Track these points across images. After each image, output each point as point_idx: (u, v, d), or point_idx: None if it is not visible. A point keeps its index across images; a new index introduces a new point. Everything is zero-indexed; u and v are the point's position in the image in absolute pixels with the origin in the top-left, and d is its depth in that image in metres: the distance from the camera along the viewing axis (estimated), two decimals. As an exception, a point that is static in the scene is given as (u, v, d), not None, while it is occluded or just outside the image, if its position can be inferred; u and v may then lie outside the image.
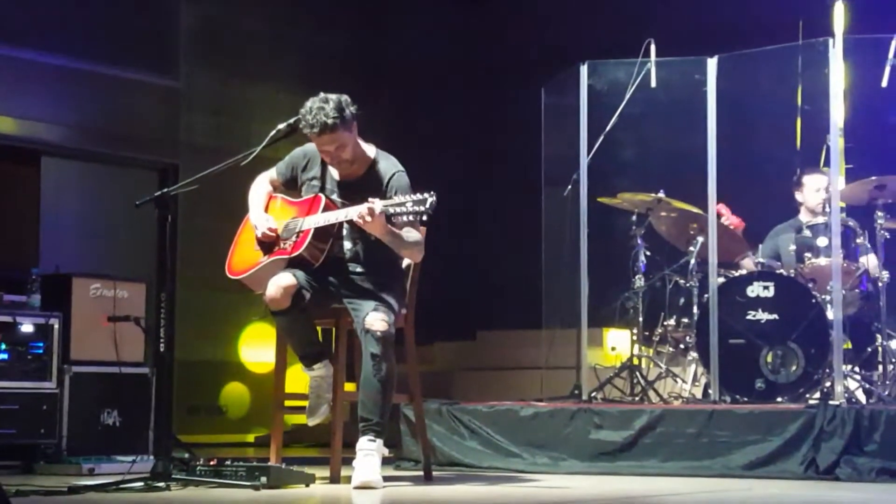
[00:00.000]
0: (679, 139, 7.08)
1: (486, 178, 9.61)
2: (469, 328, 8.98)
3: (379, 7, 9.92)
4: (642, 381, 6.67)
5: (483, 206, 9.51)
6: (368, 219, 4.78)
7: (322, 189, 5.11)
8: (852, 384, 6.25)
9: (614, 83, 6.95)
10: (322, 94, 4.97)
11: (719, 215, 6.64)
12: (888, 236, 6.36)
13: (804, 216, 6.87)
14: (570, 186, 6.87)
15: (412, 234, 4.97)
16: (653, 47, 6.84)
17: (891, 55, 6.38)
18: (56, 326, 6.04)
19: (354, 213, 4.84)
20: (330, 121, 4.90)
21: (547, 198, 7.34)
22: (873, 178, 6.34)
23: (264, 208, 5.17)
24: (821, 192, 6.72)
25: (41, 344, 6.00)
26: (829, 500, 4.71)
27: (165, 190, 4.89)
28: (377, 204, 4.79)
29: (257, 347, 9.04)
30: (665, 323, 6.81)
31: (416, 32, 9.91)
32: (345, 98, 4.98)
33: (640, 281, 6.80)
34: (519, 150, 7.84)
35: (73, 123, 8.35)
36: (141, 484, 4.59)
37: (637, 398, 6.60)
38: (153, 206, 4.85)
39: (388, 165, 5.10)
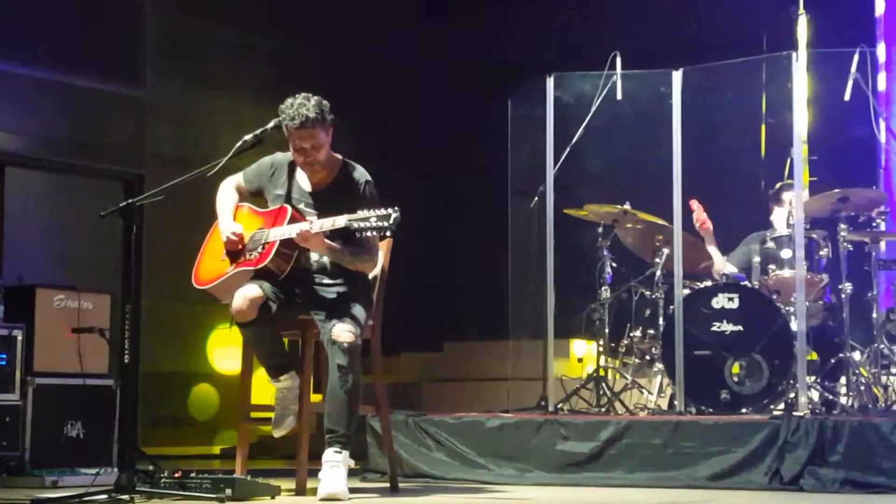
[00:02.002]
0: (645, 151, 7.11)
1: (453, 189, 9.62)
2: (436, 339, 8.98)
3: (346, 17, 9.92)
4: (608, 393, 6.69)
5: (450, 218, 9.52)
6: (302, 240, 4.85)
7: (289, 199, 5.10)
8: (816, 395, 6.29)
9: (580, 95, 6.98)
10: (304, 94, 5.01)
11: (690, 210, 6.68)
12: (851, 248, 6.42)
13: (781, 226, 6.89)
14: (536, 198, 6.89)
15: (361, 248, 4.97)
16: (618, 60, 6.87)
17: (853, 68, 6.42)
18: (19, 338, 5.99)
19: (295, 230, 4.86)
20: (312, 115, 4.93)
21: (513, 209, 7.36)
22: (837, 190, 6.39)
23: (232, 217, 5.15)
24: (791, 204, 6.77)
25: (4, 355, 5.95)
26: (794, 510, 4.74)
27: (131, 201, 4.86)
28: (315, 224, 4.84)
29: (226, 350, 9.01)
30: (631, 334, 6.83)
31: (384, 43, 9.93)
32: (325, 101, 5.02)
33: (606, 292, 6.83)
34: (486, 161, 7.86)
35: (37, 134, 8.30)
36: (104, 496, 4.56)
37: (603, 409, 6.62)
38: (118, 217, 4.82)
39: (360, 175, 5.11)
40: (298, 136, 4.98)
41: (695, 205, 6.77)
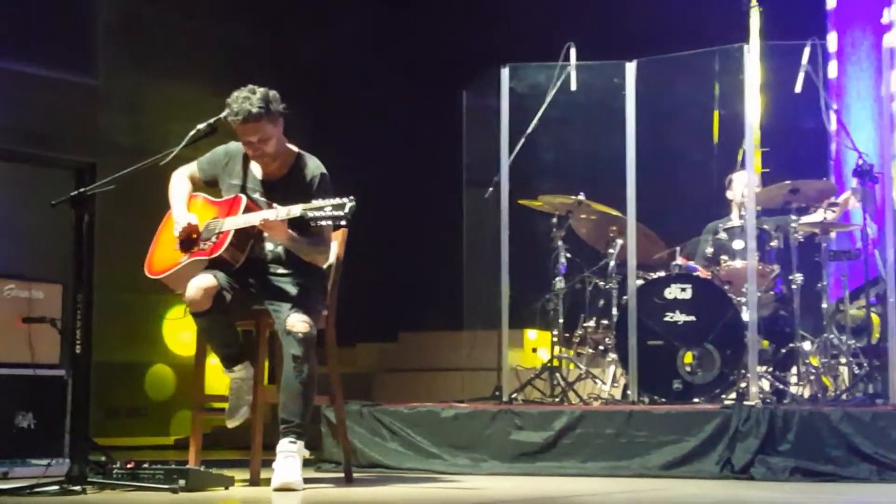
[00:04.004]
0: (599, 142, 7.14)
1: (407, 179, 9.60)
2: (391, 329, 8.98)
3: (300, 6, 9.88)
4: (562, 383, 6.73)
5: (404, 208, 9.51)
6: (265, 227, 4.85)
7: (243, 189, 5.08)
8: (767, 385, 6.36)
9: (535, 86, 7.00)
10: (250, 86, 4.97)
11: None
12: (802, 239, 6.49)
13: (734, 214, 6.96)
14: (491, 189, 6.90)
15: (318, 239, 4.97)
16: (573, 51, 6.90)
17: (804, 61, 6.49)
18: (-32, 328, 5.92)
19: (258, 219, 4.84)
20: (255, 109, 4.89)
21: (468, 200, 7.37)
22: (788, 181, 6.46)
23: (185, 207, 5.12)
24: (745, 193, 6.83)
25: (-48, 346, 5.88)
26: (744, 499, 4.79)
27: (82, 189, 4.82)
28: (270, 213, 4.83)
29: (182, 333, 8.99)
30: (585, 324, 6.88)
31: (338, 32, 9.89)
32: (273, 93, 4.98)
33: (560, 283, 6.86)
34: (440, 152, 7.86)
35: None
36: (56, 487, 4.53)
37: (557, 399, 6.65)
38: (70, 206, 4.79)
39: (314, 166, 5.10)
40: (243, 131, 4.97)
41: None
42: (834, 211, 6.61)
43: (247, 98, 4.91)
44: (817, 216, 6.57)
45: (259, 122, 4.93)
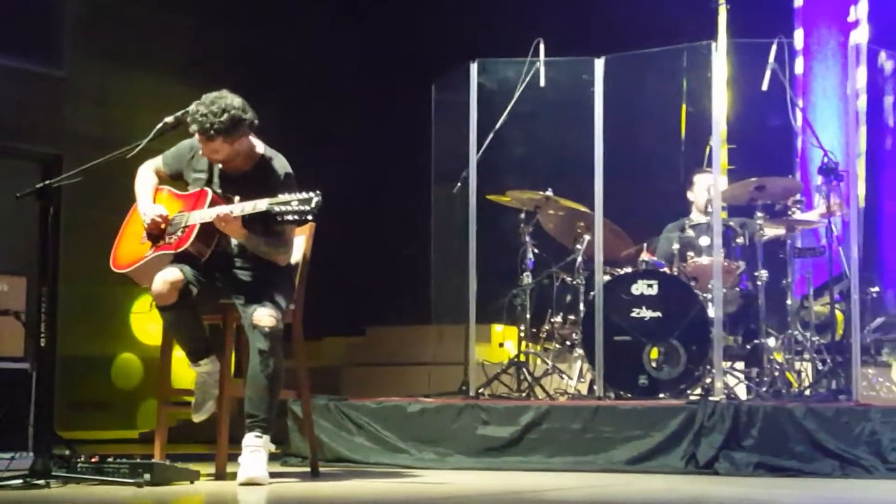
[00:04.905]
0: (567, 138, 7.17)
1: (376, 174, 9.62)
2: (358, 323, 8.98)
3: (270, 0, 9.86)
4: (529, 378, 6.74)
5: (373, 202, 9.52)
6: (221, 224, 4.80)
7: (209, 183, 5.06)
8: (732, 380, 6.40)
9: (504, 82, 7.01)
10: (216, 95, 4.88)
11: None
12: (767, 236, 6.53)
13: (695, 214, 7.01)
14: (459, 184, 6.90)
15: (276, 239, 4.95)
16: (542, 47, 6.91)
17: (771, 58, 6.52)
18: (-69, 320, 5.88)
19: (213, 214, 4.83)
20: (211, 130, 4.83)
21: (436, 195, 7.38)
22: (753, 179, 6.49)
23: (151, 200, 5.10)
24: (710, 190, 6.87)
25: (-85, 339, 5.84)
26: (708, 493, 4.81)
27: (48, 182, 4.79)
28: (235, 208, 4.79)
29: (150, 323, 8.96)
30: (552, 320, 6.89)
31: (308, 27, 9.87)
32: (238, 105, 4.87)
33: (527, 278, 6.87)
34: (409, 146, 7.86)
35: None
36: (19, 482, 4.50)
37: (524, 394, 6.67)
38: (35, 198, 4.76)
39: (279, 164, 5.07)
40: (199, 140, 4.93)
41: None
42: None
43: (206, 115, 4.81)
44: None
45: (212, 141, 4.88)
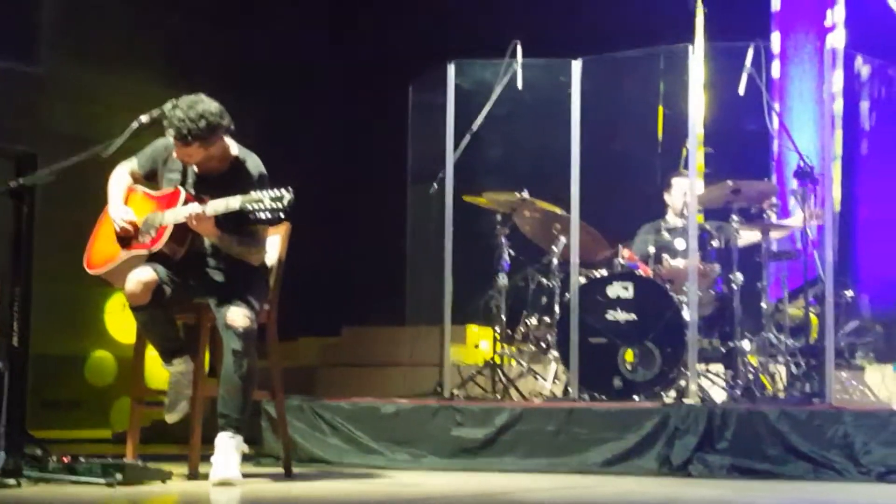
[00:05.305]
0: (544, 140, 7.18)
1: (352, 174, 9.62)
2: (334, 324, 8.97)
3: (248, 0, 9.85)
4: (504, 379, 6.74)
5: (349, 203, 9.51)
6: (193, 222, 4.79)
7: (183, 183, 5.05)
8: (706, 383, 6.42)
9: (481, 83, 7.02)
10: (193, 99, 4.85)
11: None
12: (742, 240, 6.57)
13: (671, 217, 7.03)
14: (435, 184, 6.90)
15: (249, 239, 4.95)
16: (519, 48, 6.92)
17: (748, 62, 6.55)
18: None
19: (186, 213, 4.82)
20: (189, 136, 4.82)
21: (413, 195, 7.38)
22: (729, 182, 6.52)
23: (124, 201, 5.09)
24: (686, 193, 6.90)
25: None
26: (682, 496, 4.84)
27: (21, 180, 4.78)
28: (208, 207, 4.79)
29: (124, 321, 8.94)
30: (527, 322, 6.90)
31: (284, 25, 9.86)
32: (215, 111, 4.86)
33: (503, 280, 6.87)
34: (386, 147, 7.87)
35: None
36: (-9, 481, 4.50)
37: (498, 396, 6.67)
38: (9, 197, 4.75)
39: (253, 165, 5.06)
40: (174, 143, 4.92)
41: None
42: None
43: (184, 120, 4.80)
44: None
45: (188, 145, 4.88)
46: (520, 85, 6.94)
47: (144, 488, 4.62)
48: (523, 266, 6.96)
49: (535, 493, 4.93)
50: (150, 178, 5.16)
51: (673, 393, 6.29)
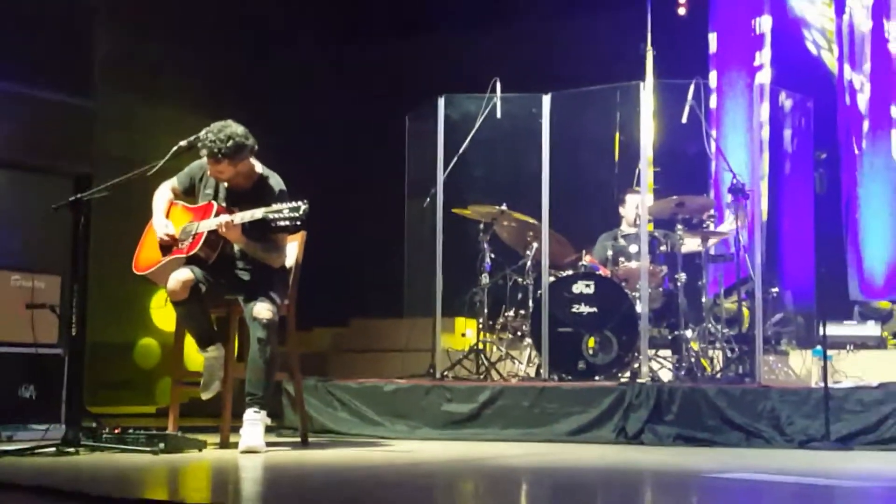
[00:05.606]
0: (520, 161, 7.16)
1: (359, 190, 9.59)
2: (343, 316, 8.95)
3: (271, 40, 9.83)
4: (486, 363, 6.74)
5: (357, 214, 9.49)
6: (222, 229, 4.77)
7: (215, 197, 5.04)
8: (656, 365, 6.42)
9: (467, 114, 7.01)
10: (223, 124, 4.86)
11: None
12: (684, 243, 6.55)
13: (625, 226, 7.03)
14: (428, 199, 6.90)
15: (270, 245, 4.93)
16: (498, 85, 6.92)
17: (689, 96, 6.56)
18: (-19, 312, 5.81)
19: (216, 223, 4.80)
20: (219, 154, 4.81)
21: (409, 208, 7.36)
22: (675, 197, 6.52)
23: (166, 213, 5.08)
24: (638, 206, 6.90)
25: (-34, 327, 5.76)
26: (635, 460, 4.83)
27: (79, 196, 4.76)
28: (236, 217, 4.78)
29: (167, 314, 8.92)
30: (505, 314, 6.89)
31: (302, 66, 9.85)
32: (241, 133, 4.85)
33: (485, 279, 6.87)
34: (387, 167, 7.84)
35: (1, 137, 8.07)
36: (53, 449, 4.48)
37: (481, 377, 6.66)
38: (69, 210, 4.73)
39: (275, 182, 5.06)
40: (207, 160, 4.90)
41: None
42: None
43: (214, 141, 4.79)
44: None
45: (219, 163, 4.86)
46: (499, 115, 6.93)
47: (183, 455, 4.60)
48: (502, 267, 6.95)
49: (511, 458, 4.92)
50: (188, 193, 5.14)
51: (628, 374, 6.28)
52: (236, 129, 4.86)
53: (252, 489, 3.79)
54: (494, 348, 6.94)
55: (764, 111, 8.23)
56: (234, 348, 5.12)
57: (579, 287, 6.41)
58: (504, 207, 6.80)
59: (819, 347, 5.85)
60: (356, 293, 9.26)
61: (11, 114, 8.12)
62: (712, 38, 9.16)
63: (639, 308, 6.28)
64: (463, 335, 7.93)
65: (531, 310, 6.65)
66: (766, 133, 8.38)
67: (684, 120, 6.58)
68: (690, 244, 6.63)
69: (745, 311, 6.54)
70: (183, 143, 4.90)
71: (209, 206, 4.97)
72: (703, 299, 6.50)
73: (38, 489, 3.48)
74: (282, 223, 4.72)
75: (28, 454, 4.46)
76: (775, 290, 6.85)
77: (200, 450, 4.75)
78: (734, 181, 6.44)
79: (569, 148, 7.11)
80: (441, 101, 6.86)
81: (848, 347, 6.91)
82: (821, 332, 5.57)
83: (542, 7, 8.99)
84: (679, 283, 6.42)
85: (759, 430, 5.46)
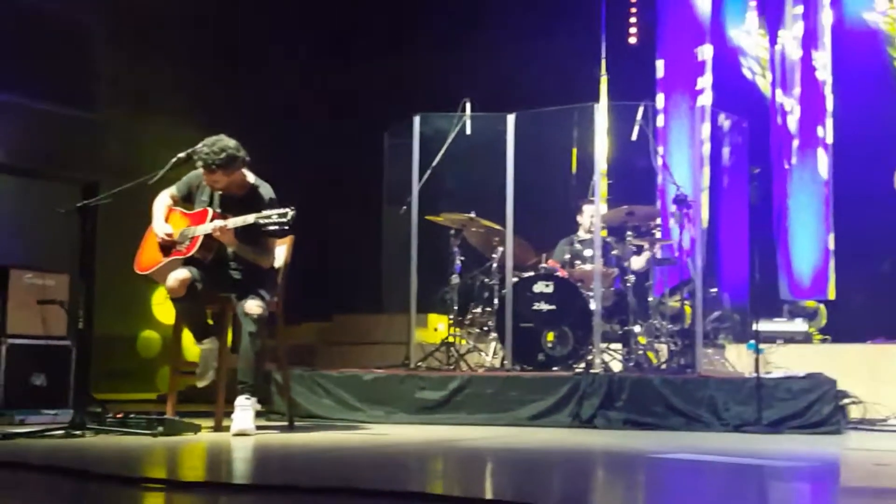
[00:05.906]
0: (487, 174, 7.15)
1: (342, 199, 9.58)
2: (327, 312, 8.93)
3: (258, 63, 9.79)
4: (456, 354, 6.74)
5: (339, 220, 9.47)
6: (217, 233, 4.76)
7: (210, 204, 5.02)
8: (608, 357, 6.45)
9: (439, 130, 7.02)
10: (216, 138, 4.85)
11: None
12: (635, 249, 6.59)
13: (581, 232, 7.05)
14: (405, 207, 6.90)
15: (260, 248, 4.92)
16: (468, 105, 6.93)
17: (639, 116, 6.60)
18: (-4, 308, 5.76)
19: (211, 227, 4.79)
20: (213, 164, 4.81)
21: (387, 215, 7.36)
22: (625, 206, 6.55)
23: (165, 218, 5.06)
24: (592, 214, 6.93)
25: (-17, 322, 5.71)
26: (588, 442, 4.85)
27: (86, 202, 4.73)
28: (230, 222, 4.78)
29: (166, 308, 8.86)
30: (473, 311, 6.89)
31: (287, 83, 9.83)
32: (232, 148, 4.83)
33: (455, 279, 6.87)
34: (367, 178, 7.85)
35: (13, 147, 8.00)
36: (62, 432, 4.45)
37: (452, 367, 6.67)
38: (76, 214, 4.70)
39: (265, 191, 5.05)
40: (203, 171, 4.89)
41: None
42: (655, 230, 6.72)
43: (209, 154, 4.78)
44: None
45: (214, 174, 4.85)
46: (469, 132, 6.94)
47: (180, 438, 4.58)
48: (471, 269, 6.96)
49: (478, 440, 4.93)
50: (186, 200, 5.12)
51: (583, 365, 6.30)
52: (228, 142, 4.86)
53: (243, 468, 3.79)
54: (464, 341, 6.94)
55: (705, 130, 8.30)
56: (227, 341, 5.10)
57: (540, 287, 6.43)
58: (473, 215, 6.81)
59: (752, 342, 5.90)
60: (339, 291, 9.25)
61: (23, 125, 8.05)
62: (660, 65, 9.23)
63: (593, 306, 6.30)
64: (435, 329, 7.93)
65: (496, 307, 6.66)
66: (706, 150, 8.45)
67: (634, 137, 6.63)
68: (638, 262, 6.67)
69: (687, 309, 6.58)
70: (181, 154, 4.89)
71: (205, 212, 4.96)
72: (650, 298, 6.53)
73: (48, 468, 3.46)
74: (271, 228, 4.72)
75: (39, 436, 4.43)
76: (714, 290, 6.91)
77: (196, 433, 4.73)
78: (678, 192, 6.49)
79: (531, 162, 7.13)
80: (416, 120, 6.87)
81: (778, 342, 6.98)
82: (754, 328, 5.62)
83: (509, 35, 9.02)
84: (628, 284, 6.45)
85: (699, 416, 5.50)
